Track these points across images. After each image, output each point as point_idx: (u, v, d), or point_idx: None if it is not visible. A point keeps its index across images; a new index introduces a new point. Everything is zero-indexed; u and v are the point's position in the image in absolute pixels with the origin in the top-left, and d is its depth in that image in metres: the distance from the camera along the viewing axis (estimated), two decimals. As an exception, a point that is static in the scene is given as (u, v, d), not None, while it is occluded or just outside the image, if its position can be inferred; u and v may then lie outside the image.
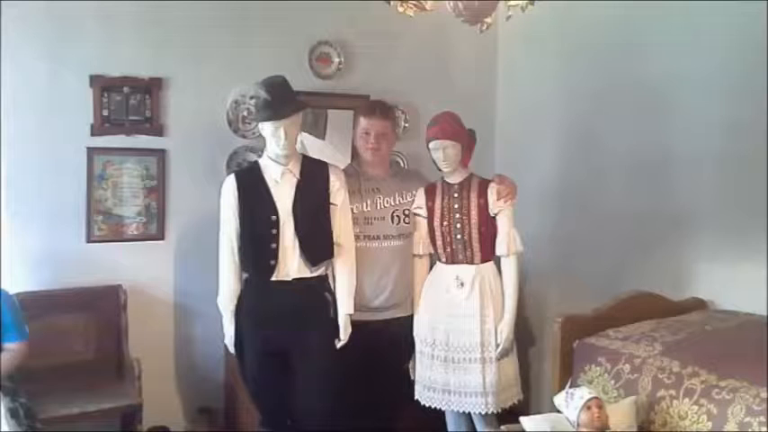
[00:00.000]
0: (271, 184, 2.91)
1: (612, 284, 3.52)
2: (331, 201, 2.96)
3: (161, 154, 3.70)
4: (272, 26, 3.87)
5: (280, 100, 2.82)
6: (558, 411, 2.63)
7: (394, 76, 4.18)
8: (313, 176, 2.94)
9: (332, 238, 2.96)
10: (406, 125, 4.21)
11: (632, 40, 3.63)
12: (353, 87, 4.09)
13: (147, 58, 3.65)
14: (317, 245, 2.92)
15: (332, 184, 2.97)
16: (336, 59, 4.05)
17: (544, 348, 3.96)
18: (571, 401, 2.54)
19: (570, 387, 2.77)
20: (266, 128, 2.86)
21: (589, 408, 2.48)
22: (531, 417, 2.68)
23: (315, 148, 3.86)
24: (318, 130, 4.01)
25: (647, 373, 2.65)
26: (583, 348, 2.92)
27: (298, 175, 2.92)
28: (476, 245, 3.03)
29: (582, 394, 2.53)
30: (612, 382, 2.75)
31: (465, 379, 3.02)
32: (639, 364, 2.69)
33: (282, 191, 2.89)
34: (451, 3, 2.38)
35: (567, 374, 2.94)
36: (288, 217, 2.87)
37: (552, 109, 4.13)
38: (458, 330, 3.03)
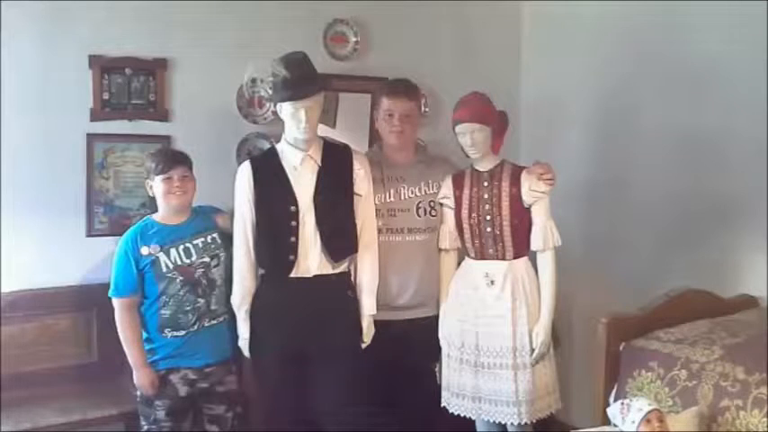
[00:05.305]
0: (289, 171, 2.72)
1: (647, 280, 3.34)
2: (355, 190, 2.77)
3: (166, 141, 3.49)
4: (285, 3, 3.66)
5: (300, 78, 2.63)
6: (606, 423, 2.47)
7: (413, 58, 3.95)
8: (336, 163, 2.75)
9: (356, 232, 2.78)
10: (427, 110, 3.97)
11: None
12: (370, 69, 3.87)
13: (151, 37, 3.45)
14: (341, 239, 2.74)
15: (356, 172, 2.78)
16: (353, 39, 3.83)
17: (573, 352, 3.74)
18: (628, 414, 2.35)
19: (616, 395, 2.58)
20: (285, 109, 2.68)
21: (649, 421, 2.29)
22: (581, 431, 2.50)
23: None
24: (328, 117, 3.76)
25: (708, 380, 2.44)
26: (630, 352, 2.72)
27: (319, 162, 2.72)
28: (507, 239, 2.81)
29: (640, 406, 2.34)
30: (667, 389, 2.54)
31: (496, 386, 2.81)
32: (698, 370, 2.48)
33: (303, 179, 2.71)
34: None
35: (611, 381, 2.73)
36: (308, 208, 2.68)
37: (581, 87, 3.91)
38: (488, 333, 2.82)
